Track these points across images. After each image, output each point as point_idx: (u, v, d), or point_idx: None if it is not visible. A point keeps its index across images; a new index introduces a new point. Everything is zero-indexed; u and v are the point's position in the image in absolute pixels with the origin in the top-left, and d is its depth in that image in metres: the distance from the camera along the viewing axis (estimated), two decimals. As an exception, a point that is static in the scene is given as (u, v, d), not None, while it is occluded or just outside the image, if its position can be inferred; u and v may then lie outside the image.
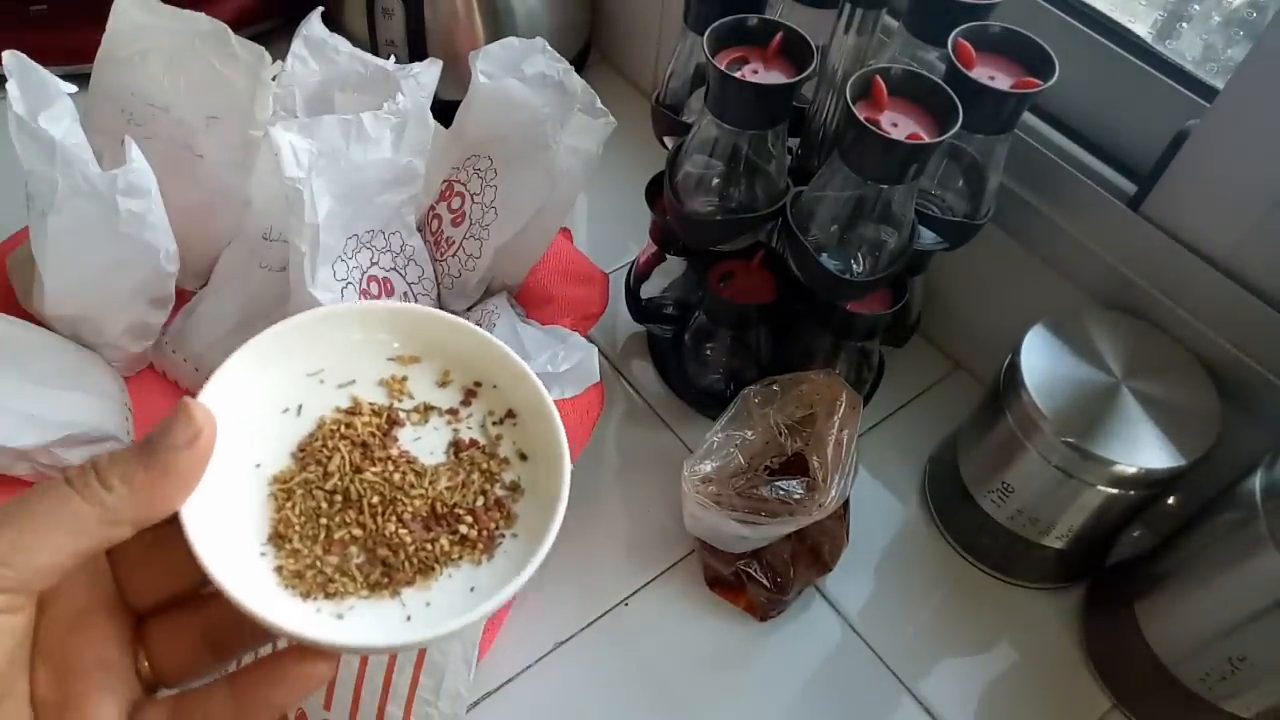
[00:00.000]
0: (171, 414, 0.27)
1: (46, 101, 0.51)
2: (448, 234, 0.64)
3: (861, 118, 0.49)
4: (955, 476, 0.63)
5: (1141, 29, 0.60)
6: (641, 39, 0.91)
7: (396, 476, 0.32)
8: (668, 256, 0.71)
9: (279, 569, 0.29)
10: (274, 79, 0.59)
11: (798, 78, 0.51)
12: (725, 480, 0.58)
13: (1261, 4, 0.59)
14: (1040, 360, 0.55)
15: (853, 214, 0.55)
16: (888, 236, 0.56)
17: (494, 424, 0.34)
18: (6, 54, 0.51)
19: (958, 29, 0.52)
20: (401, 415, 0.33)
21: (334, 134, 0.51)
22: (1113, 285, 0.60)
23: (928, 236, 0.59)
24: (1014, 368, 0.56)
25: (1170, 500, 0.58)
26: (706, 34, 0.51)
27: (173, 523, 0.27)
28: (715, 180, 0.59)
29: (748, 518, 0.55)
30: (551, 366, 0.58)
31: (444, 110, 0.62)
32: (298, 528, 0.30)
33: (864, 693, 0.59)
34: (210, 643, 0.28)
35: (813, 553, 0.61)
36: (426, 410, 0.34)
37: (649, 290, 0.74)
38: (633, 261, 0.73)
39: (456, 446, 0.33)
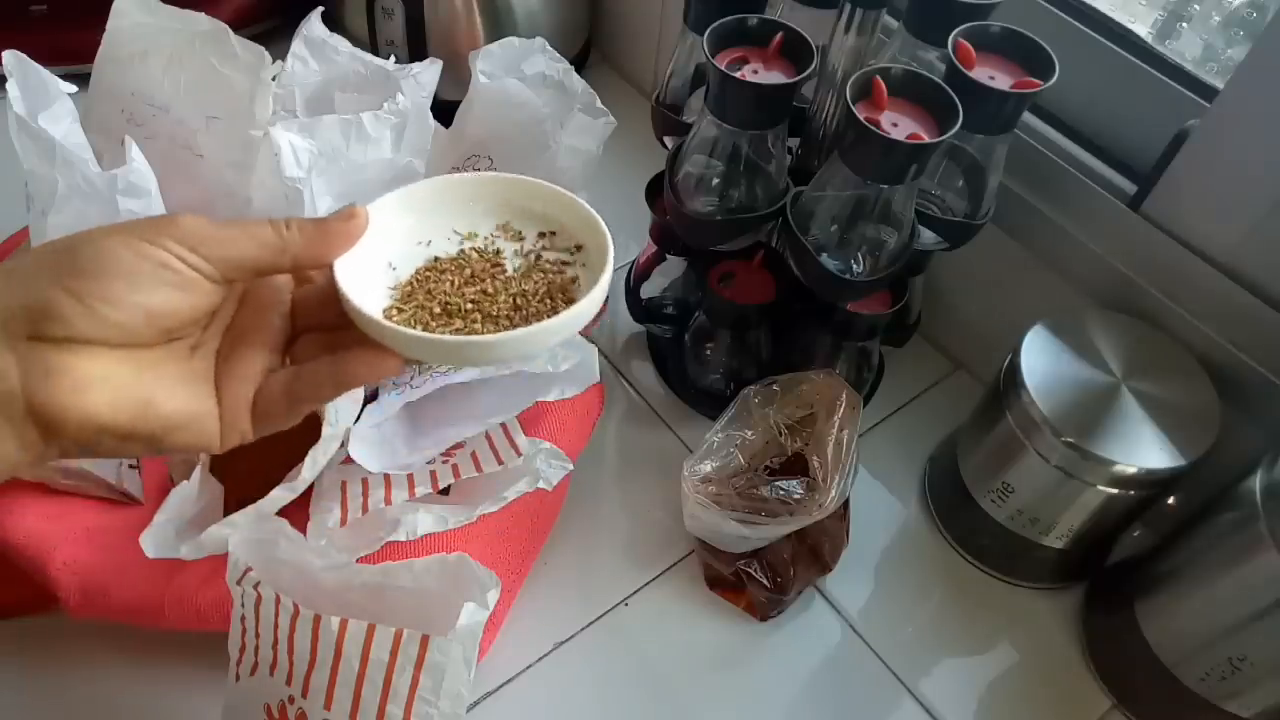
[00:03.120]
0: (342, 208, 0.38)
1: (46, 101, 0.51)
2: (448, 234, 0.64)
3: (861, 118, 0.49)
4: (955, 476, 0.63)
5: (1141, 29, 0.60)
6: (641, 39, 0.91)
7: (488, 290, 0.40)
8: (668, 256, 0.71)
9: (388, 318, 0.39)
10: (274, 79, 0.59)
11: (798, 78, 0.51)
12: (725, 480, 0.58)
13: (1261, 4, 0.59)
14: (1040, 360, 0.55)
15: (853, 214, 0.55)
16: (888, 236, 0.56)
17: (566, 251, 0.43)
18: (6, 54, 0.51)
19: (958, 29, 0.52)
20: (496, 251, 0.42)
21: (334, 134, 0.51)
22: (1113, 285, 0.60)
23: (928, 236, 0.59)
24: (1014, 368, 0.56)
25: (1170, 500, 0.58)
26: (706, 34, 0.51)
27: (328, 286, 0.38)
28: (715, 180, 0.59)
29: (748, 518, 0.55)
30: (551, 366, 0.57)
31: (444, 110, 0.62)
32: (401, 314, 0.39)
33: (864, 693, 0.59)
34: (328, 348, 0.39)
35: (813, 553, 0.61)
36: (518, 240, 0.43)
37: (649, 290, 0.74)
38: (633, 261, 0.73)
39: (535, 262, 0.42)
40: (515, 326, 0.39)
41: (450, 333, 0.38)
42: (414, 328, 0.38)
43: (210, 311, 0.37)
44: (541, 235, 0.43)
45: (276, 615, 0.46)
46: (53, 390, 0.32)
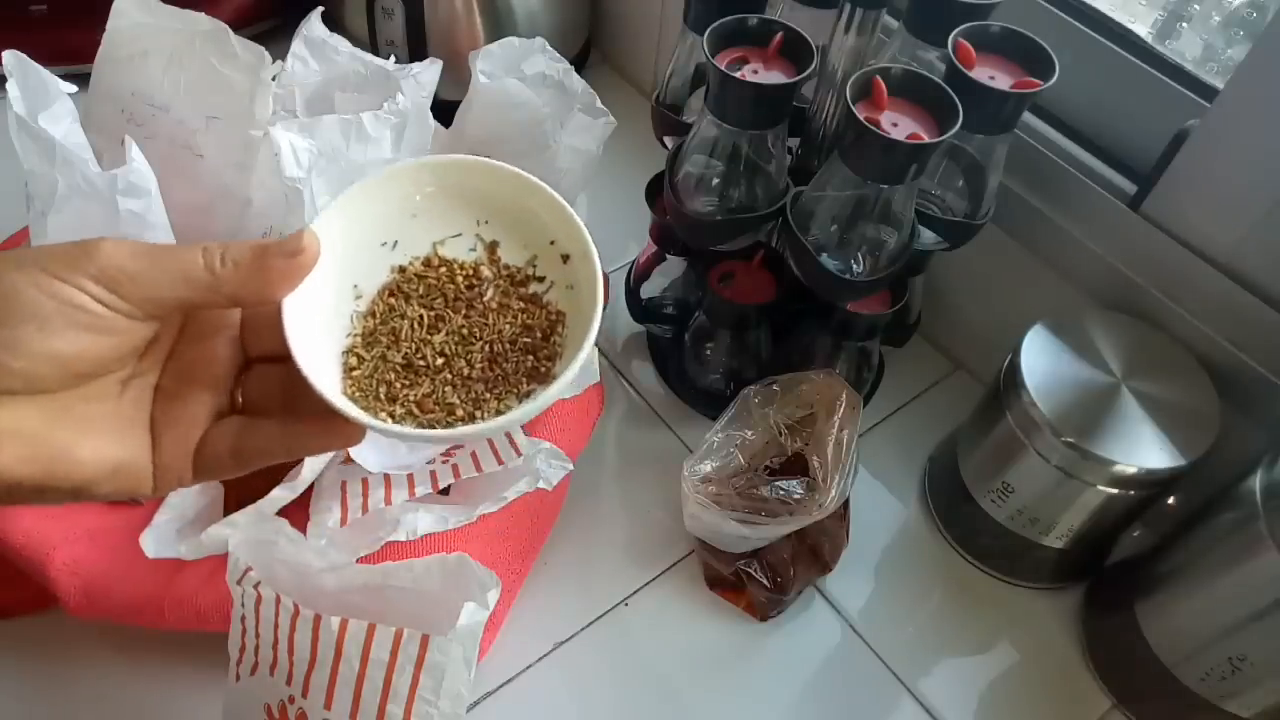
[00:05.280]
0: (291, 235, 0.34)
1: (46, 101, 0.51)
2: (448, 234, 0.64)
3: (861, 118, 0.49)
4: (955, 476, 0.63)
5: (1141, 29, 0.60)
6: (641, 39, 0.91)
7: (461, 333, 0.37)
8: (668, 256, 0.71)
9: (349, 371, 0.36)
10: (274, 79, 0.59)
11: (798, 78, 0.51)
12: (725, 480, 0.58)
13: (1261, 4, 0.59)
14: (1040, 360, 0.55)
15: (853, 214, 0.55)
16: (888, 236, 0.56)
17: (553, 264, 0.39)
18: (6, 54, 0.51)
19: (958, 29, 0.52)
20: (473, 268, 0.38)
21: (334, 134, 0.51)
22: (1113, 285, 0.60)
23: (928, 236, 0.59)
24: (1014, 368, 0.56)
25: (1170, 500, 0.58)
26: (706, 34, 0.51)
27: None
28: (715, 180, 0.59)
29: (748, 518, 0.55)
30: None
31: (444, 110, 0.62)
32: (363, 366, 0.36)
33: (864, 693, 0.59)
34: (285, 390, 0.36)
35: (813, 553, 0.60)
36: (494, 259, 0.39)
37: (649, 290, 0.74)
38: (633, 261, 0.73)
39: (514, 285, 0.38)
40: (488, 390, 0.36)
41: (415, 397, 0.35)
42: (375, 386, 0.35)
43: (136, 349, 0.33)
44: (526, 242, 0.39)
45: (276, 615, 0.46)
46: None
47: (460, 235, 0.39)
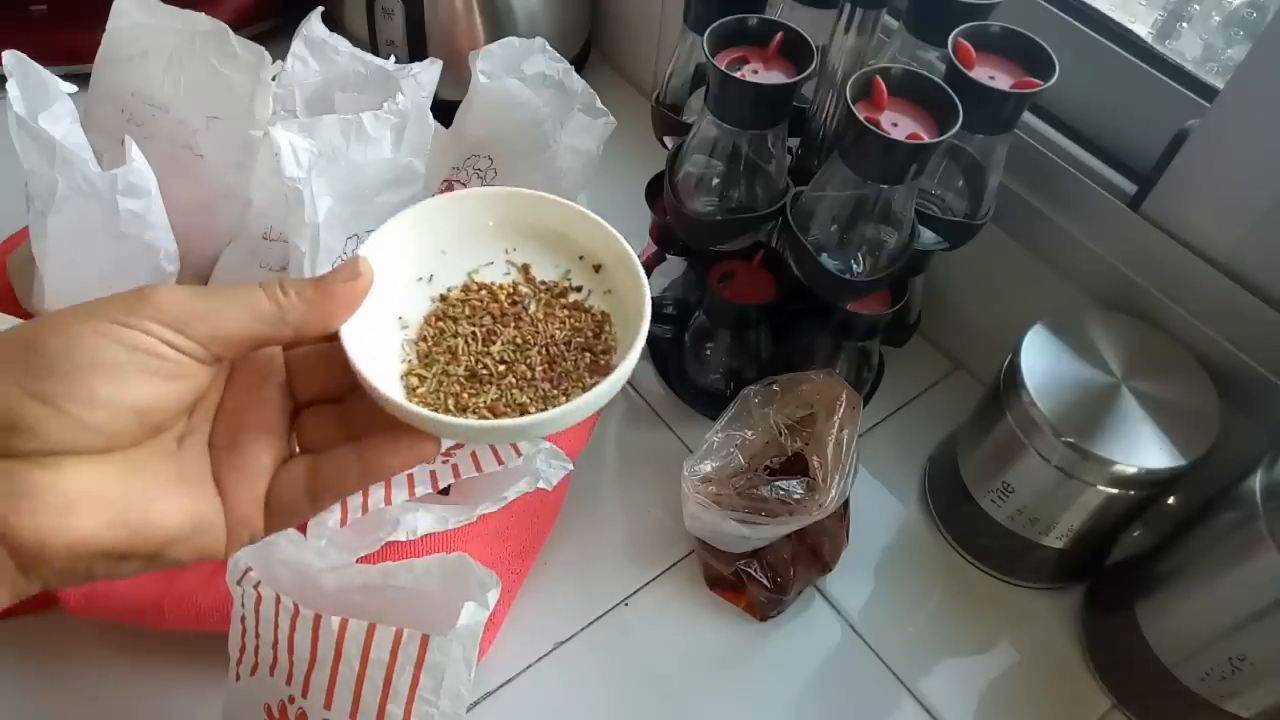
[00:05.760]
0: (344, 262, 0.35)
1: (46, 101, 0.51)
2: (448, 234, 0.64)
3: (861, 118, 0.49)
4: (955, 476, 0.63)
5: (1141, 29, 0.60)
6: (641, 39, 0.91)
7: (515, 342, 0.38)
8: (668, 256, 0.71)
9: (412, 390, 0.36)
10: (274, 79, 0.59)
11: (798, 78, 0.51)
12: (725, 480, 0.58)
13: (1261, 4, 0.59)
14: (1040, 360, 0.55)
15: (853, 214, 0.55)
16: (888, 236, 0.56)
17: (587, 272, 0.40)
18: (6, 54, 0.51)
19: (958, 29, 0.52)
20: (511, 287, 0.39)
21: (334, 134, 0.51)
22: (1113, 285, 0.60)
23: (928, 236, 0.59)
24: (1014, 368, 0.56)
25: (1170, 500, 0.58)
26: (706, 34, 0.51)
27: (332, 342, 0.34)
28: (715, 180, 0.59)
29: (748, 518, 0.55)
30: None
31: (444, 110, 0.62)
32: (426, 384, 0.36)
33: (864, 693, 0.59)
34: (344, 425, 0.35)
35: (813, 553, 0.60)
36: (529, 279, 0.40)
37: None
38: (633, 261, 0.73)
39: (556, 296, 0.39)
40: (554, 388, 0.36)
41: (486, 402, 0.36)
42: (442, 399, 0.36)
43: (201, 396, 0.32)
44: (556, 260, 0.40)
45: (276, 615, 0.46)
46: (29, 517, 0.27)
47: (492, 263, 0.40)
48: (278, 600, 0.46)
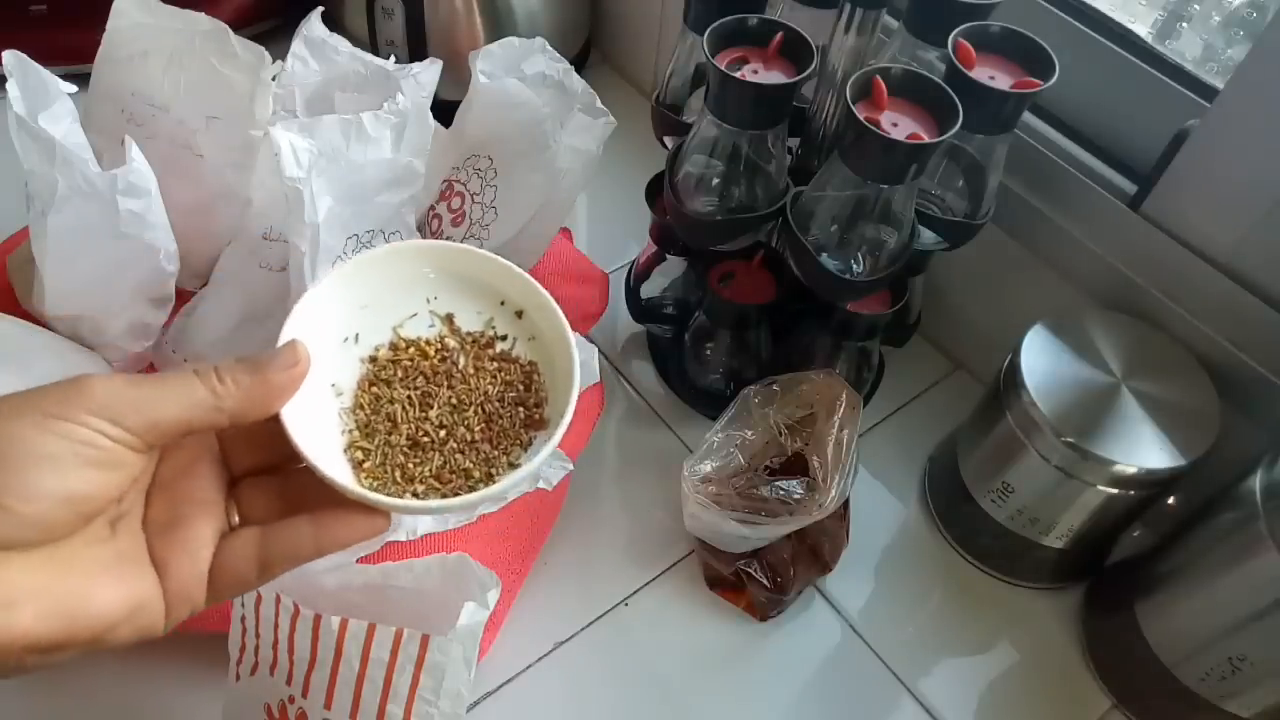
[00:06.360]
0: (280, 347, 0.35)
1: (46, 101, 0.51)
2: (448, 234, 0.64)
3: (861, 118, 0.49)
4: (955, 476, 0.63)
5: (1141, 29, 0.60)
6: (641, 39, 0.91)
7: (451, 403, 0.38)
8: (668, 256, 0.71)
9: (359, 465, 0.36)
10: (274, 79, 0.59)
11: (798, 78, 0.51)
12: (725, 480, 0.58)
13: (1261, 4, 0.59)
14: (1040, 360, 0.55)
15: (853, 214, 0.55)
16: (888, 236, 0.56)
17: (508, 321, 0.40)
18: (6, 54, 0.51)
19: (958, 29, 0.52)
20: (439, 341, 0.39)
21: (334, 134, 0.51)
22: (1113, 285, 0.60)
23: (928, 236, 0.59)
24: (1014, 368, 0.56)
25: (1170, 500, 0.58)
26: (706, 34, 0.51)
27: (267, 421, 0.34)
28: (715, 180, 0.59)
29: (748, 518, 0.55)
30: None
31: (444, 110, 0.62)
32: (371, 458, 0.37)
33: (864, 693, 0.59)
34: (284, 497, 0.36)
35: (813, 553, 0.60)
36: (454, 330, 0.40)
37: (649, 290, 0.74)
38: (633, 261, 0.73)
39: (483, 349, 0.39)
40: (494, 449, 0.37)
41: (431, 470, 0.36)
42: (389, 471, 0.36)
43: (135, 484, 0.33)
44: (479, 306, 0.40)
45: (276, 615, 0.46)
46: None
47: (416, 315, 0.40)
48: (278, 600, 0.46)
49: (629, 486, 0.67)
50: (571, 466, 0.57)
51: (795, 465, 0.60)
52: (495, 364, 0.39)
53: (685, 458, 0.58)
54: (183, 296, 0.63)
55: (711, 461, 0.58)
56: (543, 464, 0.36)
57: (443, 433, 0.37)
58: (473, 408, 0.38)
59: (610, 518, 0.65)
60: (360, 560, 0.53)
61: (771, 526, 0.56)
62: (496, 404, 0.38)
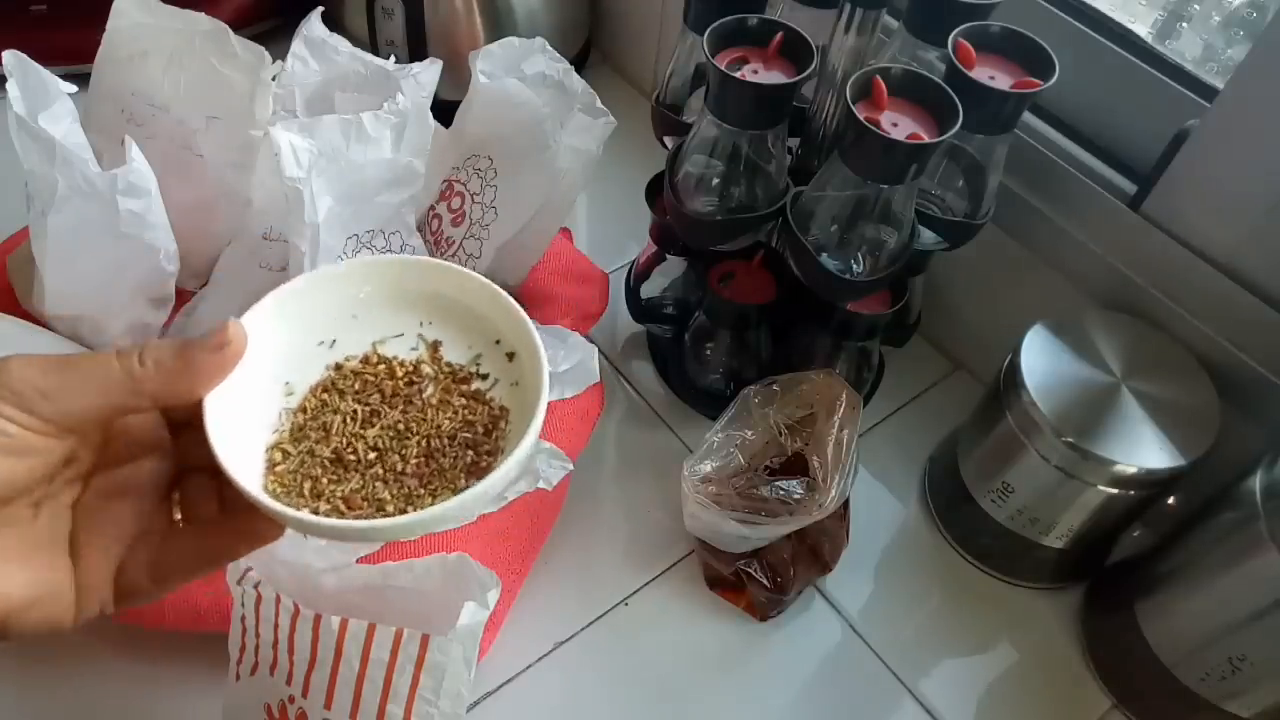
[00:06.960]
0: (212, 327, 0.33)
1: (46, 101, 0.51)
2: (448, 234, 0.64)
3: (861, 118, 0.49)
4: (955, 476, 0.63)
5: (1141, 29, 0.60)
6: (641, 39, 0.91)
7: (396, 428, 0.36)
8: (668, 256, 0.71)
9: (272, 467, 0.35)
10: (274, 79, 0.59)
11: (798, 78, 0.51)
12: (725, 480, 0.58)
13: (1261, 4, 0.59)
14: (1040, 360, 0.55)
15: (853, 214, 0.55)
16: (888, 236, 0.56)
17: (497, 363, 0.38)
18: (6, 54, 0.52)
19: (958, 29, 0.52)
20: (413, 365, 0.38)
21: (334, 134, 0.51)
22: (1113, 285, 0.60)
23: (928, 236, 0.59)
24: (1014, 368, 0.56)
25: (1170, 500, 0.58)
26: (706, 34, 0.51)
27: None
28: (715, 180, 0.59)
29: (748, 518, 0.55)
30: (551, 366, 0.58)
31: (444, 110, 0.62)
32: (288, 461, 0.35)
33: (864, 693, 0.59)
34: (220, 496, 0.34)
35: (813, 553, 0.60)
36: (435, 358, 0.38)
37: (649, 290, 0.74)
38: (633, 261, 0.73)
39: (455, 383, 0.37)
40: (421, 486, 0.34)
41: (342, 493, 0.34)
42: (298, 482, 0.34)
43: (53, 468, 0.31)
44: (470, 341, 0.38)
45: (276, 615, 0.46)
46: None
47: (402, 335, 0.38)
48: (278, 600, 0.46)
49: (629, 486, 0.67)
50: (571, 466, 0.57)
51: (795, 465, 0.60)
52: (463, 400, 0.37)
53: (685, 458, 0.58)
54: (183, 296, 0.63)
55: (711, 461, 0.58)
56: (466, 508, 0.33)
57: (373, 455, 0.35)
58: (416, 438, 0.36)
59: (610, 518, 0.65)
60: (360, 560, 0.53)
61: (771, 526, 0.56)
62: (444, 440, 0.36)
